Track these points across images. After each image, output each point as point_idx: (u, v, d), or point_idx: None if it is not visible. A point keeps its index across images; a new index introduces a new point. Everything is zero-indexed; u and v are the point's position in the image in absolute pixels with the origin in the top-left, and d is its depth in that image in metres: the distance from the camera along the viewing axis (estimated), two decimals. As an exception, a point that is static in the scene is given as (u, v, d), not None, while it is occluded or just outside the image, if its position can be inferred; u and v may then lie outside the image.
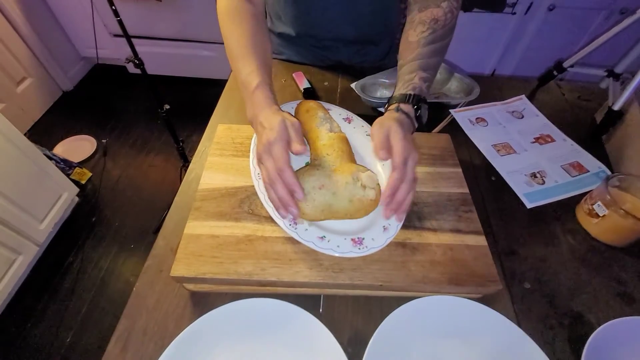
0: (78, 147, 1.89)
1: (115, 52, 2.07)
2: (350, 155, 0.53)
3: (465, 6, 1.60)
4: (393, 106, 0.51)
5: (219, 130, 0.64)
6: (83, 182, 1.71)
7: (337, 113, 0.64)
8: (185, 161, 1.60)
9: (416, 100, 0.50)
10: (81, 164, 1.77)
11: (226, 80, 0.87)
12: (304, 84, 0.80)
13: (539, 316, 0.49)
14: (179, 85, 2.27)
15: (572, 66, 0.78)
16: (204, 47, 2.05)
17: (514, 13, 1.74)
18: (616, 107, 0.68)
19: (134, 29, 1.96)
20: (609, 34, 0.72)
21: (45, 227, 1.39)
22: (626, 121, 0.68)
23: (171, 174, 1.80)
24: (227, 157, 0.59)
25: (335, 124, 0.57)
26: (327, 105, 0.65)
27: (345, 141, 0.54)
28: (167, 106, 1.36)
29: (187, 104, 2.13)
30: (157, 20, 1.95)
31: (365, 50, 0.87)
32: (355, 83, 0.77)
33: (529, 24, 1.79)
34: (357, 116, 0.64)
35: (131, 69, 1.24)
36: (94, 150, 1.87)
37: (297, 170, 0.50)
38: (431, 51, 0.54)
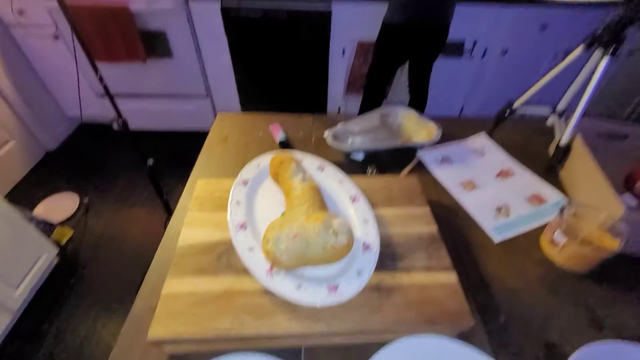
0: (60, 205, 1.86)
1: (100, 111, 2.13)
2: (322, 203, 0.56)
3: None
4: None
5: (198, 185, 0.67)
6: (63, 242, 1.66)
7: (311, 162, 0.68)
8: (170, 213, 1.60)
9: None
10: (63, 222, 1.74)
11: (207, 133, 0.91)
12: (280, 136, 0.86)
13: (516, 349, 0.50)
14: (164, 138, 2.32)
15: (522, 106, 0.86)
16: (187, 102, 2.14)
17: (472, 57, 1.92)
18: (563, 143, 0.75)
19: (119, 88, 2.04)
20: (547, 77, 0.81)
21: (20, 293, 1.33)
22: (573, 154, 0.74)
23: (156, 227, 1.78)
24: (206, 212, 0.61)
25: (307, 174, 0.61)
26: (301, 155, 0.69)
27: (317, 190, 0.58)
28: (151, 160, 1.39)
29: (173, 156, 2.17)
30: (142, 79, 2.04)
31: None
32: (327, 131, 0.82)
33: (487, 66, 1.96)
34: (330, 163, 0.68)
35: (116, 126, 1.29)
36: (76, 207, 1.85)
37: (272, 222, 0.53)
38: None
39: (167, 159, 2.03)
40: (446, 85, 2.01)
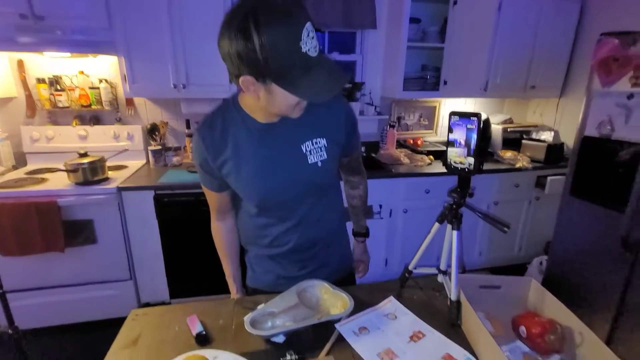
0: None
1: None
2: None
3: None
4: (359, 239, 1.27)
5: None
6: None
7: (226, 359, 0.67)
8: None
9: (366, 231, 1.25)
10: None
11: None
12: (196, 328, 0.84)
13: None
14: (67, 333, 1.99)
15: (415, 268, 1.01)
16: (105, 288, 1.98)
17: (382, 218, 2.26)
18: (453, 298, 0.87)
19: (19, 283, 1.83)
20: (424, 245, 1.00)
21: None
22: (465, 308, 0.85)
23: None
24: None
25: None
26: (215, 352, 0.68)
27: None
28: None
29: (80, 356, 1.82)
30: (52, 271, 1.89)
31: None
32: (246, 317, 0.83)
33: (396, 223, 2.30)
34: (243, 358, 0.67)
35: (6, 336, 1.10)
36: None
37: None
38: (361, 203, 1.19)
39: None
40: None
